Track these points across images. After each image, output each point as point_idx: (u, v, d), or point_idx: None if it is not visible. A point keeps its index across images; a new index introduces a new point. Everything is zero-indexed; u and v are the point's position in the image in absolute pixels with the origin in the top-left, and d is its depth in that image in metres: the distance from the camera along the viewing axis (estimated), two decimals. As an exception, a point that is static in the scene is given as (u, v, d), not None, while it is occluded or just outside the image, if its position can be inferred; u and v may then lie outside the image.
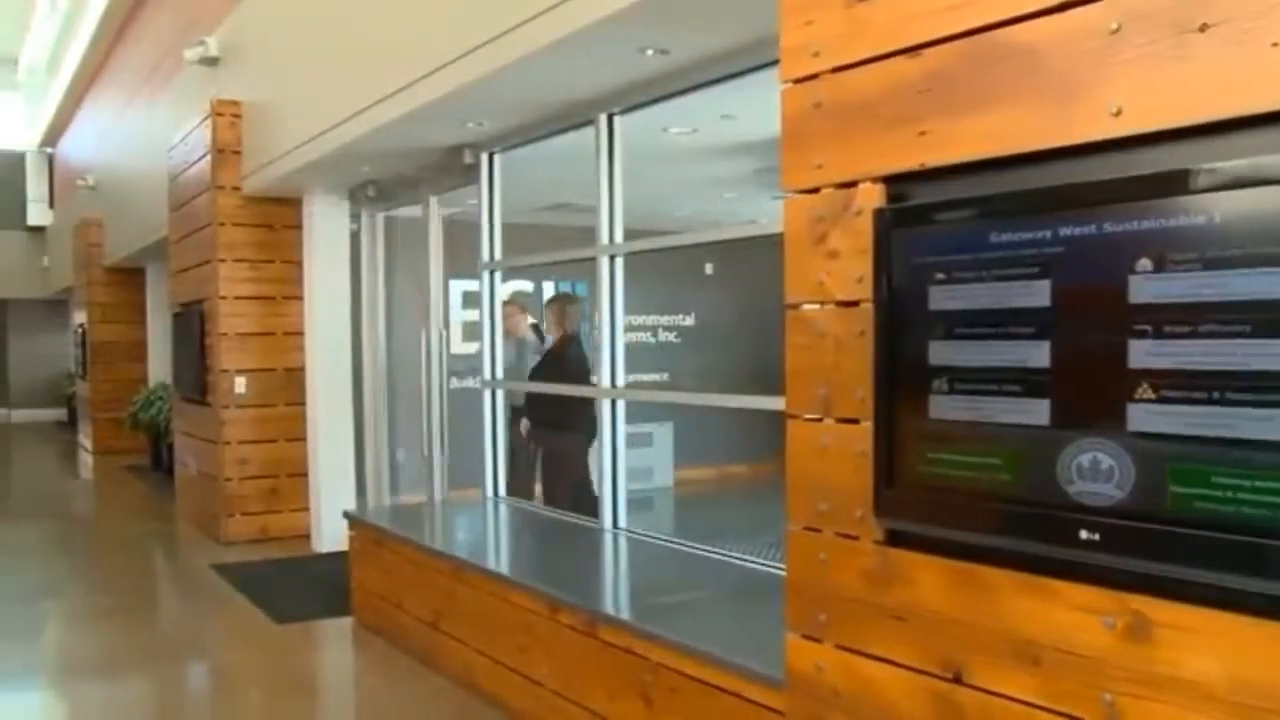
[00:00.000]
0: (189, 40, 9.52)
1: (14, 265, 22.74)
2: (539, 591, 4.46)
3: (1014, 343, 2.31)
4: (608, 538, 5.56)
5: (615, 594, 4.88)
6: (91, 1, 15.21)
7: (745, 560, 4.84)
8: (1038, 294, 2.25)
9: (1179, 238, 2.02)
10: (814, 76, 2.79)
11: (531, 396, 7.99)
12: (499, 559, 5.64)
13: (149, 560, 8.84)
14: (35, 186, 23.38)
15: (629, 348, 10.04)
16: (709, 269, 11.93)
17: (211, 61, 9.22)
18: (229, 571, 7.62)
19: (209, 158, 8.83)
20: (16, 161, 23.45)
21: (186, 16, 11.03)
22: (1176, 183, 2.02)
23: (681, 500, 11.27)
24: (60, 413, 21.66)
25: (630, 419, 9.11)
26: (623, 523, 5.63)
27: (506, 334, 7.76)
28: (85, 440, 16.75)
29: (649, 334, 11.86)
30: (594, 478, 7.88)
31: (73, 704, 5.57)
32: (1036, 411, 2.26)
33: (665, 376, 11.83)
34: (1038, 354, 2.26)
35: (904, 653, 2.57)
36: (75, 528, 10.77)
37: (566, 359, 7.97)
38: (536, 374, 8.13)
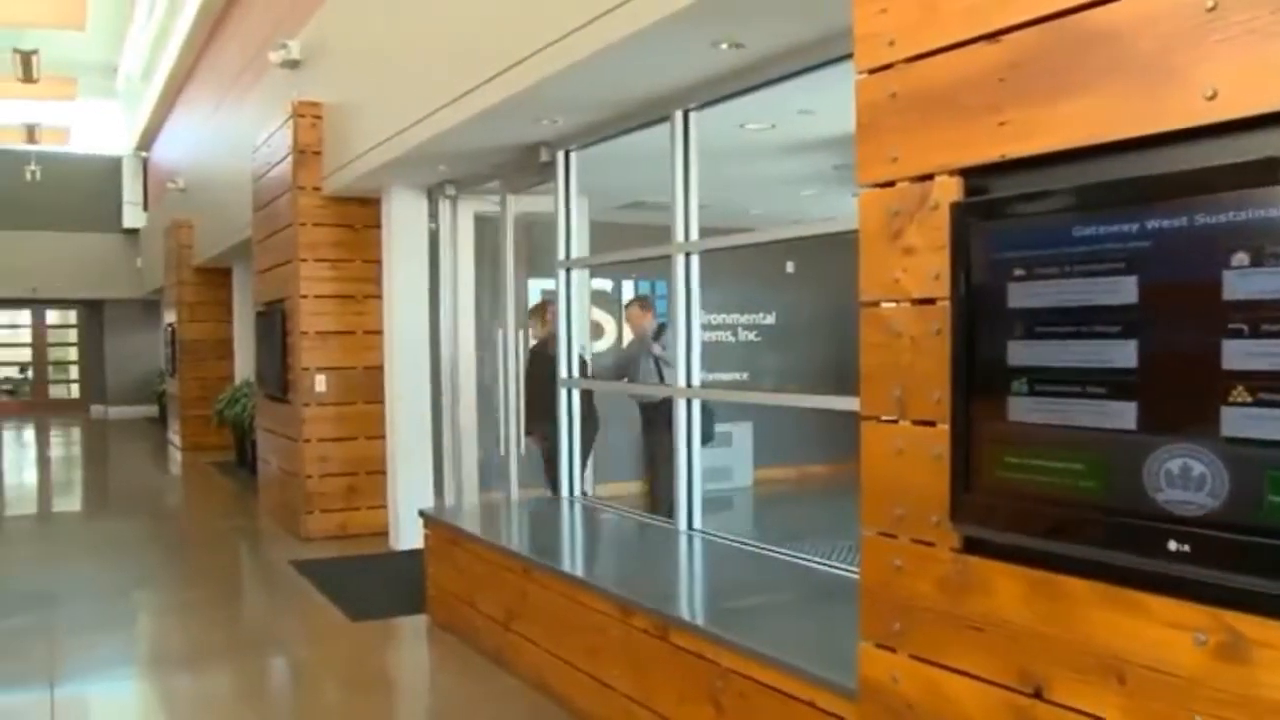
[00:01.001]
0: (273, 44, 9.64)
1: (110, 266, 23.41)
2: (610, 593, 4.41)
3: (1098, 342, 2.19)
4: (682, 539, 5.49)
5: (687, 597, 4.80)
6: (183, 10, 15.53)
7: (823, 564, 4.74)
8: (1124, 290, 2.13)
9: (1278, 230, 1.90)
10: (888, 66, 2.69)
11: (531, 397, 7.80)
12: (571, 559, 5.60)
13: (231, 555, 8.97)
14: (130, 190, 24.01)
15: (709, 347, 9.99)
16: (790, 267, 11.80)
17: (293, 64, 9.33)
18: (307, 568, 7.70)
19: (290, 158, 8.93)
20: (114, 166, 24.10)
21: (271, 21, 11.19)
22: (1276, 171, 1.90)
23: (761, 500, 11.16)
24: (152, 409, 22.17)
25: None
26: (698, 524, 5.56)
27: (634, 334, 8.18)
28: (175, 437, 17.12)
29: (729, 333, 11.77)
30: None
31: (159, 694, 5.65)
32: (1122, 415, 2.14)
33: (745, 376, 11.73)
34: (1124, 354, 2.14)
35: (981, 665, 2.46)
36: (164, 523, 10.98)
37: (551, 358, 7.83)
38: (529, 373, 7.96)
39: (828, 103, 5.53)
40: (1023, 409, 2.34)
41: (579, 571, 4.93)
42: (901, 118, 2.67)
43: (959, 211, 2.49)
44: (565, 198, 6.72)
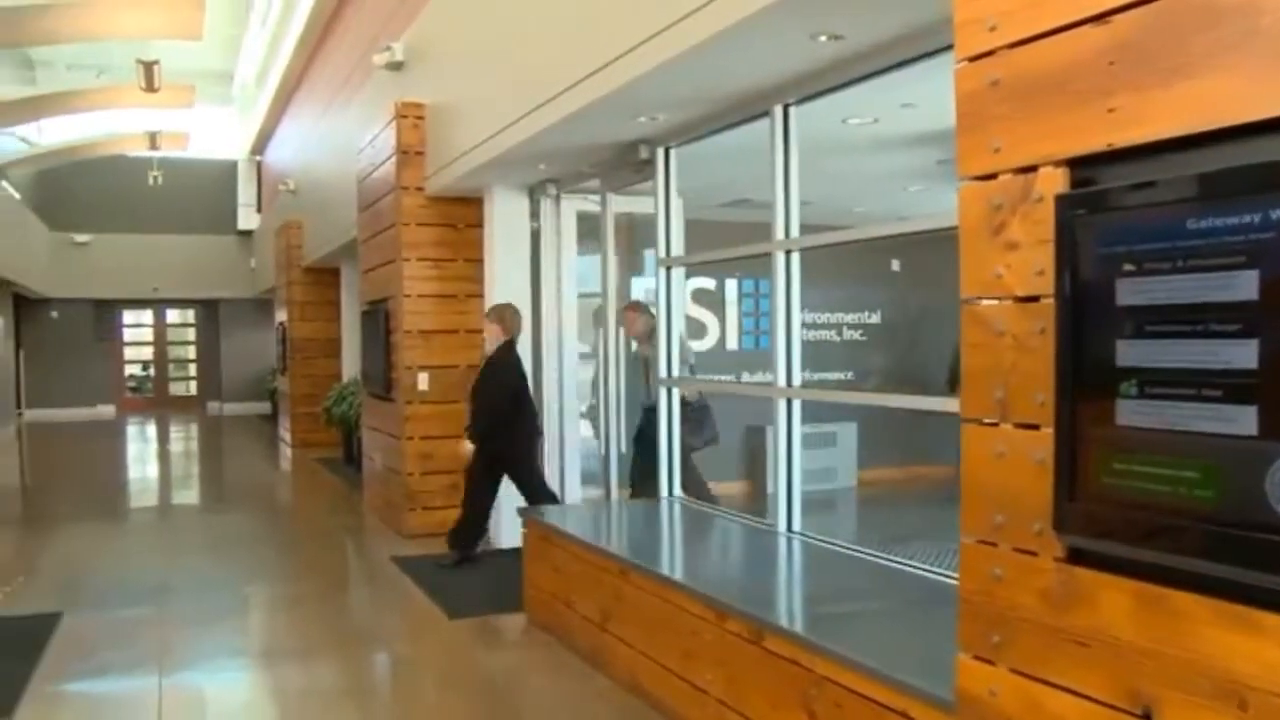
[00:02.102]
0: (377, 47, 9.77)
1: (225, 267, 24.16)
2: (705, 596, 4.34)
3: (1214, 342, 2.05)
4: (781, 541, 5.39)
5: (783, 601, 4.70)
6: (295, 17, 15.89)
7: (926, 570, 4.58)
8: (1243, 286, 1.99)
9: None
10: (990, 53, 2.58)
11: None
12: (667, 561, 5.53)
13: (335, 551, 9.11)
14: (245, 192, 24.73)
15: (813, 346, 9.82)
16: (895, 265, 11.58)
17: (397, 66, 9.44)
18: (409, 564, 7.77)
19: (393, 159, 9.04)
20: (229, 170, 24.84)
21: (377, 24, 11.35)
22: None
23: (865, 502, 10.97)
24: (264, 406, 22.76)
25: (813, 418, 8.93)
26: (797, 525, 5.45)
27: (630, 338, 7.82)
28: (285, 433, 17.52)
29: (833, 332, 11.59)
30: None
31: (262, 685, 5.77)
32: (1240, 420, 2.00)
33: (849, 375, 11.53)
34: (1242, 354, 2.00)
35: (1086, 682, 2.33)
36: (273, 518, 11.23)
37: (501, 366, 7.64)
38: (478, 384, 7.81)
39: (931, 95, 5.36)
40: (1132, 412, 2.21)
41: (674, 573, 4.86)
42: (1003, 106, 2.55)
43: (1064, 204, 2.36)
44: (665, 195, 6.67)
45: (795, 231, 5.40)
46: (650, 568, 4.90)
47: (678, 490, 6.68)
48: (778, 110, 5.33)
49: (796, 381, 5.49)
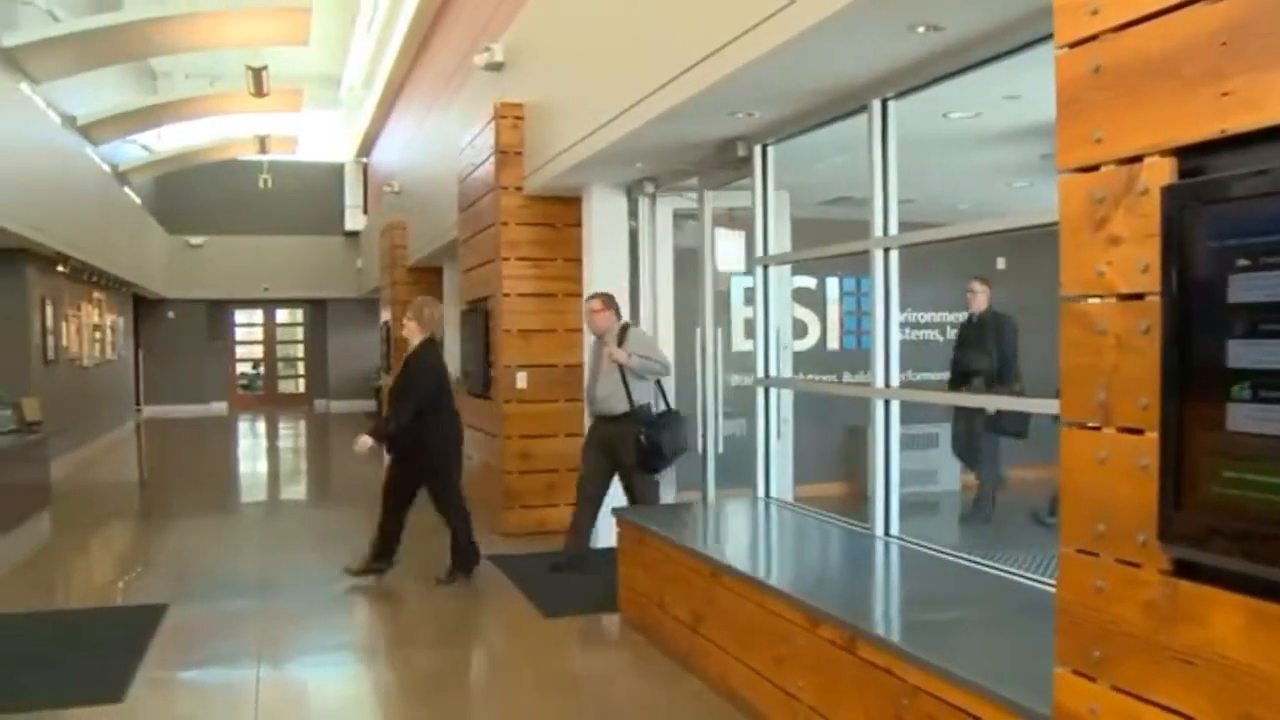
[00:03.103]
0: (478, 48, 9.84)
1: (333, 267, 24.71)
2: (797, 600, 4.25)
3: (1335, 341, 1.91)
4: (878, 545, 5.27)
5: (877, 608, 4.58)
6: (399, 21, 16.16)
7: (1029, 578, 4.42)
8: (1367, 282, 1.86)
9: None
10: (1093, 38, 2.45)
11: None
12: (759, 563, 5.44)
13: (433, 548, 9.13)
14: (352, 194, 25.29)
15: (916, 346, 9.62)
16: (1001, 264, 11.27)
17: (497, 66, 9.49)
18: (505, 563, 7.80)
19: (493, 159, 9.09)
20: (336, 172, 25.41)
21: (477, 26, 11.46)
22: None
23: (968, 505, 10.68)
24: (370, 404, 23.16)
25: (915, 419, 8.75)
26: (895, 529, 5.32)
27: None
28: (390, 430, 17.72)
29: (936, 331, 11.33)
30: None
31: (357, 679, 5.87)
32: (1365, 426, 1.86)
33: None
34: (1366, 355, 1.86)
35: (1193, 703, 2.20)
36: (374, 515, 11.32)
37: (419, 364, 7.38)
38: (395, 382, 7.56)
39: (1035, 87, 5.19)
40: (1244, 417, 2.07)
41: (766, 576, 4.77)
42: (1106, 94, 2.43)
43: (1172, 195, 2.23)
44: (763, 193, 6.59)
45: (894, 229, 5.28)
46: (742, 570, 4.83)
47: (774, 490, 6.59)
48: (875, 105, 5.21)
49: (895, 382, 5.36)
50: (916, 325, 10.84)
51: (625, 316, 8.13)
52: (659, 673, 5.39)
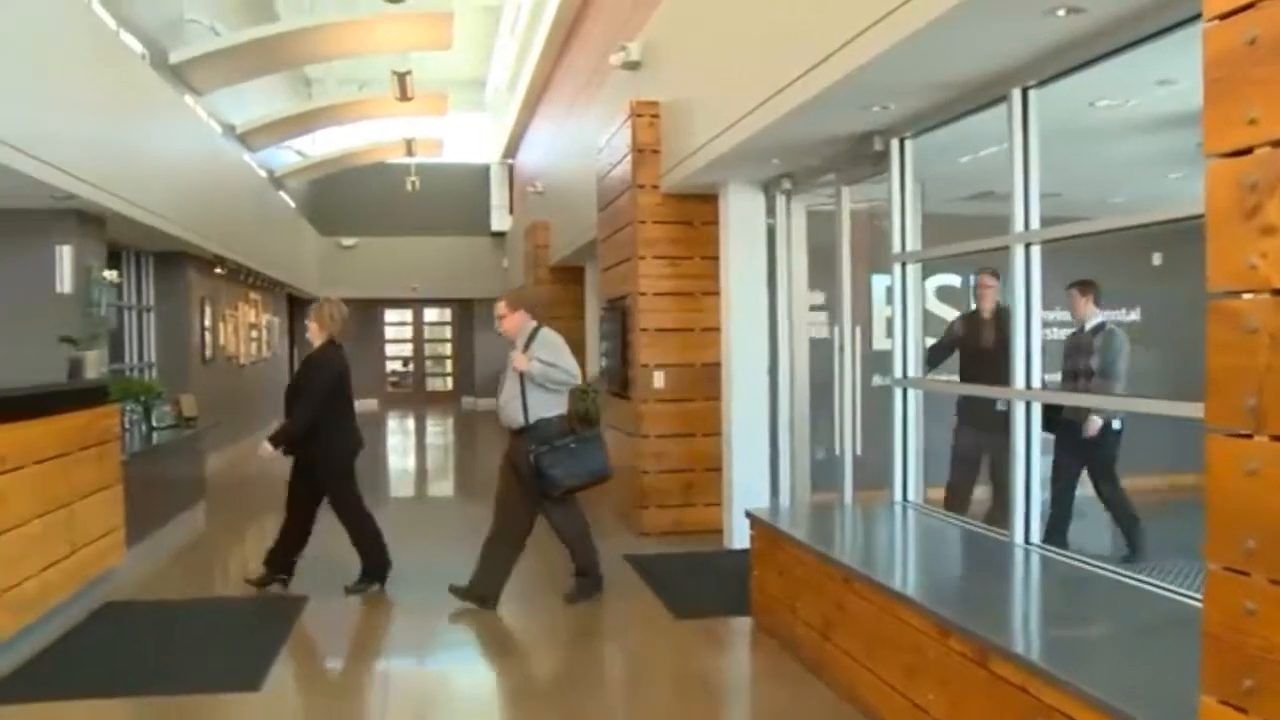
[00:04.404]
0: (615, 47, 9.85)
1: (480, 267, 25.22)
2: (928, 610, 4.08)
3: None
4: (1018, 554, 5.04)
5: (1012, 621, 4.35)
6: (541, 22, 16.33)
7: (1181, 593, 4.13)
8: None
9: None
10: (1248, 5, 2.25)
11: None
12: (891, 570, 5.25)
13: (559, 555, 9.15)
14: (498, 195, 25.76)
15: (1058, 346, 9.23)
16: (1157, 259, 10.76)
17: (633, 65, 9.49)
18: (640, 562, 7.77)
19: (629, 157, 9.08)
20: (483, 174, 25.89)
21: (615, 26, 11.48)
22: None
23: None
24: (515, 401, 23.52)
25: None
26: (1035, 537, 5.09)
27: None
28: (532, 428, 17.94)
29: (1085, 330, 10.87)
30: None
31: (483, 676, 5.93)
32: None
33: (1103, 376, 10.79)
34: None
35: (1355, 740, 2.00)
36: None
37: (318, 365, 7.16)
38: (293, 384, 7.36)
39: (1190, 70, 4.90)
40: None
41: (897, 584, 4.59)
42: (1262, 69, 2.22)
43: (1332, 181, 2.03)
44: (900, 188, 6.40)
45: (1035, 224, 5.04)
46: (873, 576, 4.67)
47: (912, 495, 6.39)
48: (1016, 94, 4.98)
49: (1036, 383, 5.12)
50: (1063, 325, 10.43)
51: (764, 317, 8.03)
52: (787, 678, 5.27)
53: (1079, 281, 7.62)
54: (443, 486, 14.25)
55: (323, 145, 22.39)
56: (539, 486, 6.60)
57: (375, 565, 7.20)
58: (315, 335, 7.25)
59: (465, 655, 6.21)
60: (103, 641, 6.04)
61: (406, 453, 18.30)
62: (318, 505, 7.21)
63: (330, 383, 7.01)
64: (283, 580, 7.17)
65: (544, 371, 6.56)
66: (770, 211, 8.58)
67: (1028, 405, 5.11)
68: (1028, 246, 5.07)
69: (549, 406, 6.68)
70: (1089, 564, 4.74)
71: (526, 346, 6.65)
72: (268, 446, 6.95)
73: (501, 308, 6.91)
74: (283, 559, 7.20)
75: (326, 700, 5.34)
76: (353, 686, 5.57)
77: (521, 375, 6.59)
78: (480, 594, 6.69)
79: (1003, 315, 7.36)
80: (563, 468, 6.56)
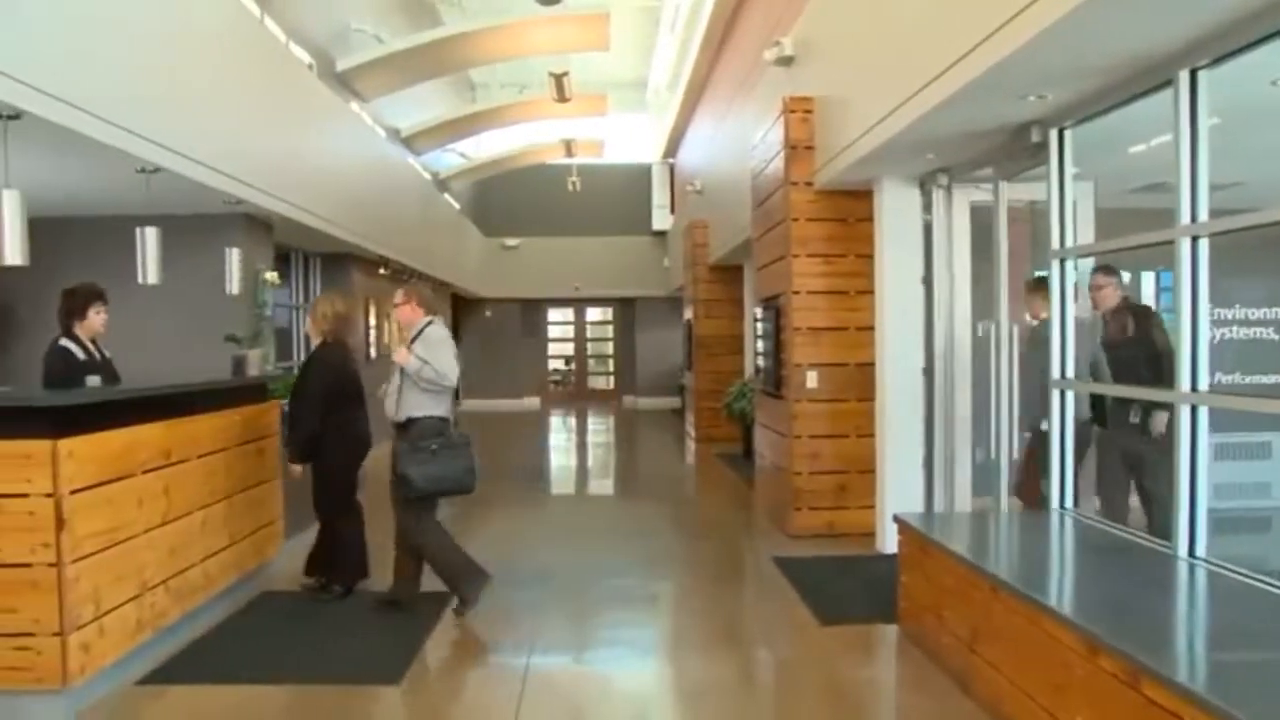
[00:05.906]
0: (769, 43, 9.73)
1: (641, 266, 25.41)
2: (1076, 626, 3.87)
3: None
4: (1180, 567, 4.74)
5: (1172, 642, 4.06)
6: (699, 21, 16.31)
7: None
8: None
9: None
10: None
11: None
12: (1041, 582, 4.97)
13: (720, 548, 9.08)
14: (658, 194, 25.89)
15: (1244, 346, 8.72)
16: (1352, 255, 10.05)
17: (787, 61, 9.37)
18: (788, 565, 7.64)
19: (782, 154, 8.96)
20: (644, 173, 26.08)
21: (770, 21, 11.36)
22: None
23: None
24: (674, 400, 23.60)
25: (1242, 426, 7.89)
26: (1201, 550, 4.78)
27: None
28: (689, 428, 17.97)
29: (1273, 329, 10.24)
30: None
31: (624, 676, 5.84)
32: None
33: (1293, 378, 10.14)
34: None
35: None
36: (668, 511, 11.42)
37: (317, 365, 6.86)
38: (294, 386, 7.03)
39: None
40: None
41: (1045, 596, 4.35)
42: None
43: None
44: (1059, 181, 6.13)
45: (1204, 215, 4.73)
46: (1020, 588, 4.45)
47: (1069, 503, 6.10)
48: (1183, 76, 4.69)
49: (1203, 385, 4.81)
50: (1246, 323, 9.84)
51: (920, 316, 7.74)
52: (931, 688, 5.09)
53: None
54: (603, 485, 14.33)
55: (486, 148, 22.86)
56: (398, 485, 6.43)
57: (341, 574, 6.98)
58: (313, 335, 7.07)
59: (610, 655, 6.16)
60: (257, 629, 6.26)
61: (568, 451, 18.50)
62: (354, 493, 7.10)
63: (327, 385, 6.79)
64: (342, 589, 6.97)
65: (418, 368, 6.34)
66: (927, 208, 8.32)
67: (1193, 409, 4.80)
68: (1194, 240, 4.77)
69: (424, 406, 6.45)
70: (1264, 580, 4.40)
71: (414, 341, 6.48)
72: (295, 468, 6.78)
73: (399, 296, 6.73)
74: (341, 566, 7.03)
75: (460, 697, 5.39)
76: (487, 684, 5.58)
77: (401, 370, 6.44)
78: (393, 598, 6.69)
79: (1137, 314, 6.94)
80: (419, 469, 6.32)
